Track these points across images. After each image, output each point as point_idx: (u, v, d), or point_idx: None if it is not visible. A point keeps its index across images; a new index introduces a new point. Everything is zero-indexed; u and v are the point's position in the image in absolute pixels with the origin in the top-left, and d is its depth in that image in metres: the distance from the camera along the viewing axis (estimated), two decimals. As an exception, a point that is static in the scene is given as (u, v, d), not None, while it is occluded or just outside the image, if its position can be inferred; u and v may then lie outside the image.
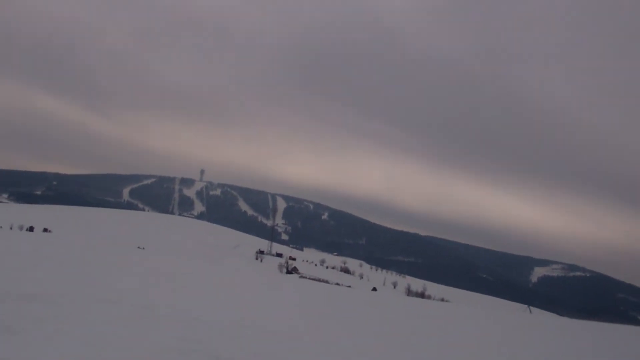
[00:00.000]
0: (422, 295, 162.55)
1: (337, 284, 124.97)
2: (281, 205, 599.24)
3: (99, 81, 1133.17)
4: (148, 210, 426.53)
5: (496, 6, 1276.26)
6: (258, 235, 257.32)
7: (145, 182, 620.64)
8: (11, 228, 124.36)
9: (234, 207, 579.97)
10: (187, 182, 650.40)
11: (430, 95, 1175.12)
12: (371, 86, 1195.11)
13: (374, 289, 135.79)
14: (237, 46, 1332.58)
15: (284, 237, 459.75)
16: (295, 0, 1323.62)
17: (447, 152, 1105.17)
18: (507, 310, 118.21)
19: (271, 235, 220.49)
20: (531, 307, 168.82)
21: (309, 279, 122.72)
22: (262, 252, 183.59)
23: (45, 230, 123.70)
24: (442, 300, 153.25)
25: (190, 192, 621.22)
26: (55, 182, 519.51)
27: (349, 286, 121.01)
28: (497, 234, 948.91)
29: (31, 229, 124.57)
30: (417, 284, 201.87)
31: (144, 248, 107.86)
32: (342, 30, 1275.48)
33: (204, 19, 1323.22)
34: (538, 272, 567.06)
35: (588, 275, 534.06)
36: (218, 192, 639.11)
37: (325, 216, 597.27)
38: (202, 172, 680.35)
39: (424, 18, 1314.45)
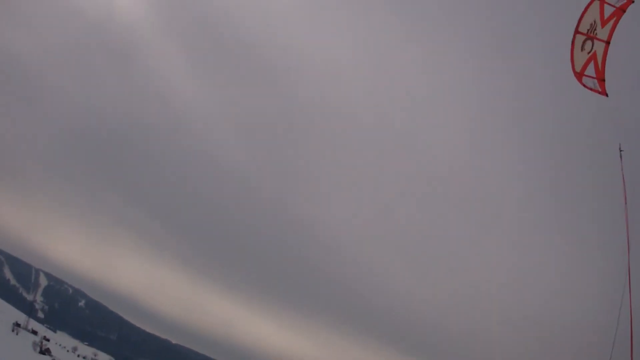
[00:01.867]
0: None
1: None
2: (43, 281, 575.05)
3: None
4: None
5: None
6: (16, 307, 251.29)
7: None
8: None
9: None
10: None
11: (209, 203, 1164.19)
12: (150, 180, 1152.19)
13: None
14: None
15: (40, 314, 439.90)
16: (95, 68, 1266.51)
17: (208, 263, 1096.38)
18: None
19: (30, 311, 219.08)
20: None
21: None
22: (18, 325, 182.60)
23: None
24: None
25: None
26: None
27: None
28: (249, 356, 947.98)
29: None
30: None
31: None
32: (135, 115, 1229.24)
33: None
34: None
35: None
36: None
37: (82, 303, 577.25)
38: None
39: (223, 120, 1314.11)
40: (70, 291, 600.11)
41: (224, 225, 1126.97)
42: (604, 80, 18.13)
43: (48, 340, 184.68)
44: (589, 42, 18.25)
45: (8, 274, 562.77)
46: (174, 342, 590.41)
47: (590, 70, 18.36)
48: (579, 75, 18.71)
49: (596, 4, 18.08)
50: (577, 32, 18.48)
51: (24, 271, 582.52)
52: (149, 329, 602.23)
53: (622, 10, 17.59)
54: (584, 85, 18.72)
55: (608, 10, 17.83)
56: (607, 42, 17.85)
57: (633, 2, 17.45)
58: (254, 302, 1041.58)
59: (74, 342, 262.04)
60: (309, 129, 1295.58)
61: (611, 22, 17.80)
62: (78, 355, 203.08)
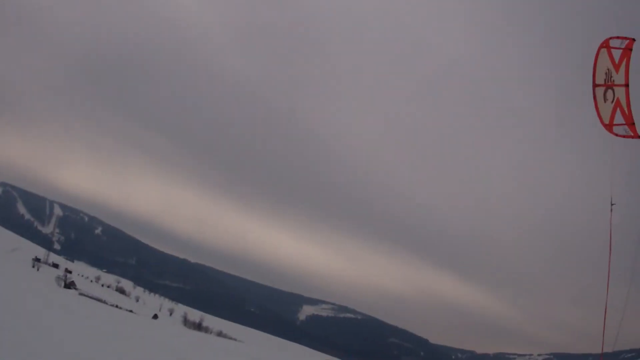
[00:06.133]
0: (199, 326, 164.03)
1: (117, 306, 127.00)
2: (57, 212, 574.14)
3: None
4: None
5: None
6: (33, 241, 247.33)
7: None
8: None
9: (13, 209, 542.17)
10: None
11: (217, 117, 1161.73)
12: (157, 99, 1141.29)
13: (155, 317, 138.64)
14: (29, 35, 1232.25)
15: (57, 246, 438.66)
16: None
17: (221, 180, 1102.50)
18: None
19: (50, 244, 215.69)
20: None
21: (89, 297, 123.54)
22: (38, 260, 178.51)
23: None
24: (221, 334, 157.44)
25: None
26: None
27: (131, 311, 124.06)
28: (267, 269, 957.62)
29: None
30: (191, 313, 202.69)
31: None
32: (138, 38, 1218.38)
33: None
34: (306, 311, 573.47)
35: (359, 317, 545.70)
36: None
37: (98, 231, 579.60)
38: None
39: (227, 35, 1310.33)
40: (86, 219, 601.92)
41: (234, 139, 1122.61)
42: (633, 123, 17.93)
43: (70, 272, 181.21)
44: (609, 91, 18.24)
45: (22, 209, 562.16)
46: (192, 261, 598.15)
47: (619, 118, 18.22)
48: (609, 127, 18.46)
49: (604, 52, 18.15)
50: (595, 85, 18.45)
51: (38, 205, 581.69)
52: (167, 250, 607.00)
53: (628, 49, 17.58)
54: (616, 135, 18.40)
55: (616, 54, 17.90)
56: (626, 85, 17.90)
57: (634, 40, 17.42)
58: (267, 215, 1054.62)
59: (93, 271, 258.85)
60: (318, 39, 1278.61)
61: (623, 65, 17.80)
62: (102, 285, 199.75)
